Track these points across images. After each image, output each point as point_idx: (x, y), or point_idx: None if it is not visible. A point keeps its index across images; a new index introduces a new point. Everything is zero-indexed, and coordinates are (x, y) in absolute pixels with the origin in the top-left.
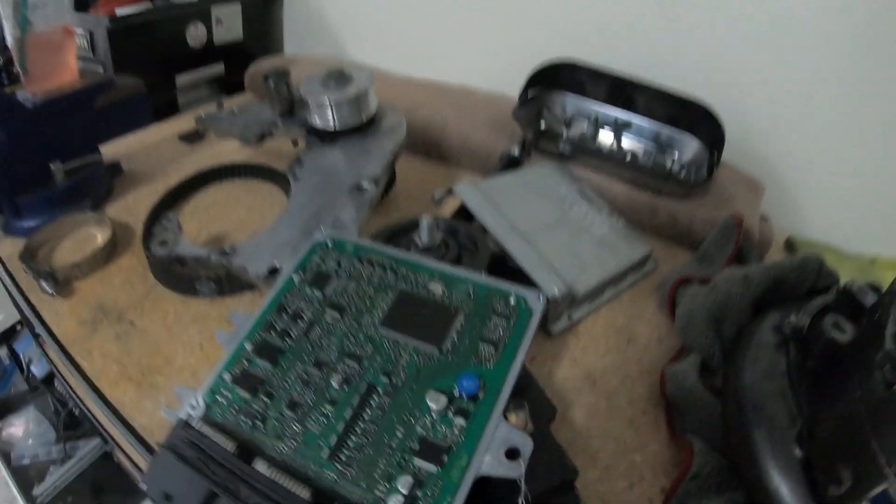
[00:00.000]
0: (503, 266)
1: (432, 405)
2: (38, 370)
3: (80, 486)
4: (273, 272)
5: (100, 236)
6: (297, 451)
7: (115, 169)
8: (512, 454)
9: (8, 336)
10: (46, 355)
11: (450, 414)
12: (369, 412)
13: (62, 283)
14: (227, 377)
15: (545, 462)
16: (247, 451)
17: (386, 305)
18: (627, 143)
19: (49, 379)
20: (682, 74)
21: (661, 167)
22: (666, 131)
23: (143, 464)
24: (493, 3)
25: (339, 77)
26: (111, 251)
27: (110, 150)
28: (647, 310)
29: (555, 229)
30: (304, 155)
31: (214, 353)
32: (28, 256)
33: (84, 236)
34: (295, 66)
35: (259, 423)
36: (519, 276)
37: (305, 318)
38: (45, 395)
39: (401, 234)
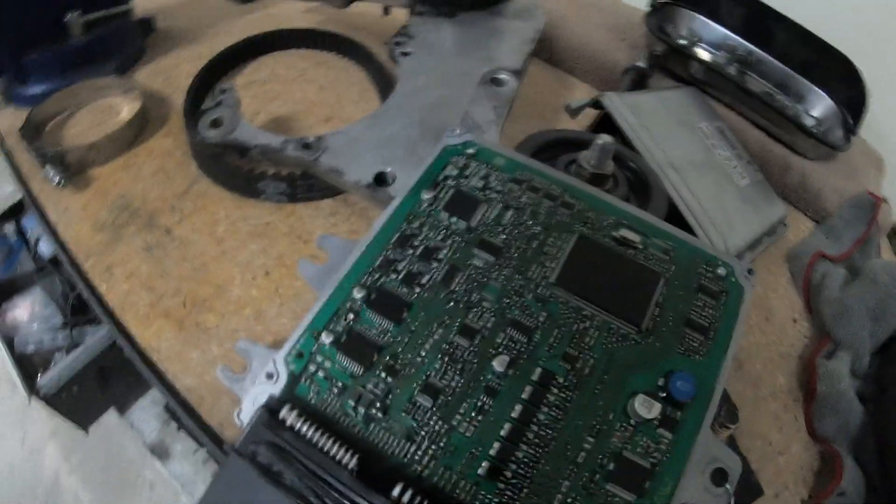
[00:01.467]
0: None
1: (643, 414)
2: (45, 249)
3: (86, 375)
4: (380, 180)
5: (126, 108)
6: (440, 461)
7: (146, 26)
8: (718, 477)
9: (16, 211)
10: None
11: (655, 423)
12: (546, 411)
13: (74, 170)
14: (325, 338)
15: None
16: (362, 461)
17: (559, 254)
18: (755, 83)
19: (57, 259)
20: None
21: (799, 118)
22: (796, 81)
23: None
24: None
25: None
26: (140, 129)
27: (141, 2)
28: (780, 282)
29: (702, 171)
30: (412, 26)
31: (289, 285)
32: (31, 132)
33: (105, 108)
34: None
35: (377, 412)
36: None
37: (443, 257)
38: (53, 276)
39: (559, 148)
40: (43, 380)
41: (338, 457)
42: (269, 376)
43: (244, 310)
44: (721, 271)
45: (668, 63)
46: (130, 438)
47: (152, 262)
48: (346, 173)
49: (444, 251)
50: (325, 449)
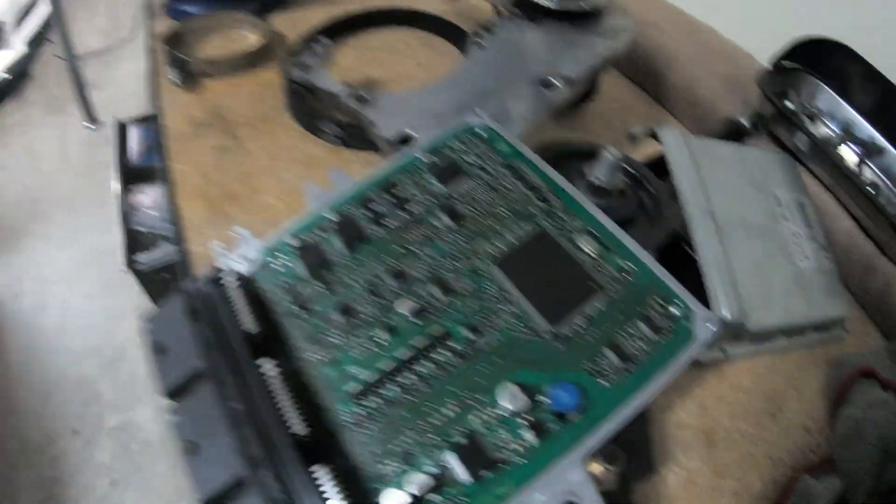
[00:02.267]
0: (676, 249)
1: (504, 403)
2: (156, 111)
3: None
4: (404, 141)
5: (251, 40)
6: (321, 367)
7: None
8: None
9: None
10: None
11: (520, 421)
12: (428, 366)
13: (194, 75)
14: (294, 242)
15: None
16: (268, 340)
17: (514, 240)
18: (869, 173)
19: None
20: None
21: None
22: None
23: None
24: None
25: None
26: (256, 59)
27: None
28: (810, 385)
29: (755, 235)
30: (498, 24)
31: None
32: (172, 40)
33: (236, 37)
34: None
35: (299, 310)
36: (689, 270)
37: (412, 211)
38: None
39: (573, 158)
40: (142, 257)
41: (244, 321)
42: (245, 259)
43: (264, 213)
44: (674, 310)
45: (774, 127)
46: None
47: (216, 158)
48: (379, 127)
49: (415, 206)
50: (238, 312)
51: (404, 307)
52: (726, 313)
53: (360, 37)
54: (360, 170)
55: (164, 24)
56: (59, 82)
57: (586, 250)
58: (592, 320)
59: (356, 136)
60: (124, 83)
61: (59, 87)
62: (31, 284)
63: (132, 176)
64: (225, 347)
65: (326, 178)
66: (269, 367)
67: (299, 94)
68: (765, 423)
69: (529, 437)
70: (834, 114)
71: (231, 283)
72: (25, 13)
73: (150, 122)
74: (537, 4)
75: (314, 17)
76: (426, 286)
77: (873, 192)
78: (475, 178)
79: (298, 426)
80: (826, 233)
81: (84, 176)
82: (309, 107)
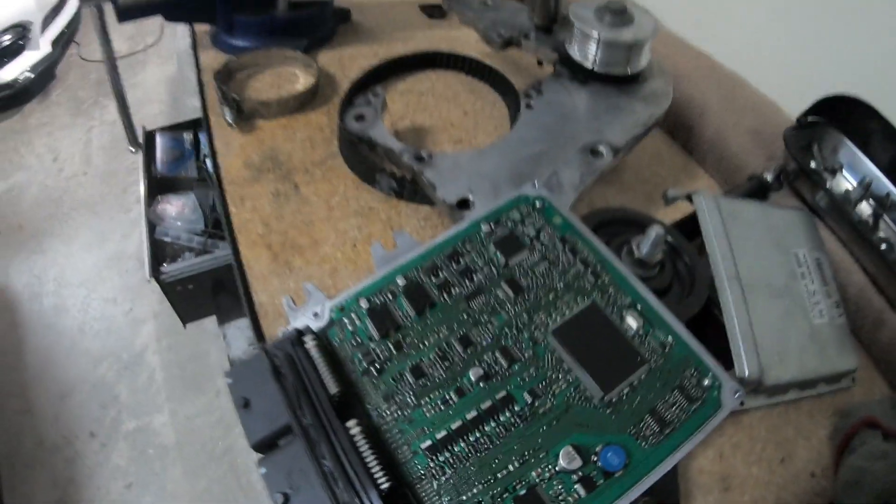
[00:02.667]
0: (706, 307)
1: (563, 462)
2: (211, 164)
3: (203, 280)
4: (462, 204)
5: (301, 80)
6: (398, 424)
7: (343, 15)
8: None
9: (196, 124)
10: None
11: (574, 477)
12: (493, 425)
13: (245, 116)
14: (363, 303)
15: None
16: (346, 396)
17: (568, 311)
18: (884, 229)
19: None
20: None
21: None
22: None
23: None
24: (831, 7)
25: (619, 12)
26: (307, 101)
27: None
28: (818, 434)
29: (776, 297)
30: (547, 84)
31: (365, 260)
32: (223, 76)
33: (286, 75)
34: None
35: (374, 370)
36: (713, 328)
37: (475, 280)
38: (208, 190)
39: (619, 226)
40: (167, 267)
41: (326, 383)
42: (315, 315)
43: (325, 264)
44: (706, 382)
45: (797, 183)
46: (218, 347)
47: (275, 205)
48: (438, 189)
49: (478, 275)
50: (321, 373)
51: (473, 372)
52: (747, 373)
53: (407, 80)
54: (415, 223)
55: (212, 57)
56: (83, 85)
57: (633, 325)
58: (637, 389)
59: (410, 189)
60: (150, 88)
61: (84, 89)
62: (51, 285)
63: (158, 185)
64: (310, 406)
65: (389, 237)
66: (354, 428)
67: (355, 144)
68: (775, 468)
69: (581, 490)
70: (854, 168)
71: (311, 343)
72: (52, 14)
73: (177, 130)
74: (582, 66)
75: (359, 55)
76: (490, 353)
77: (886, 250)
78: (532, 250)
79: (382, 481)
80: (840, 287)
81: (106, 180)
82: (364, 157)
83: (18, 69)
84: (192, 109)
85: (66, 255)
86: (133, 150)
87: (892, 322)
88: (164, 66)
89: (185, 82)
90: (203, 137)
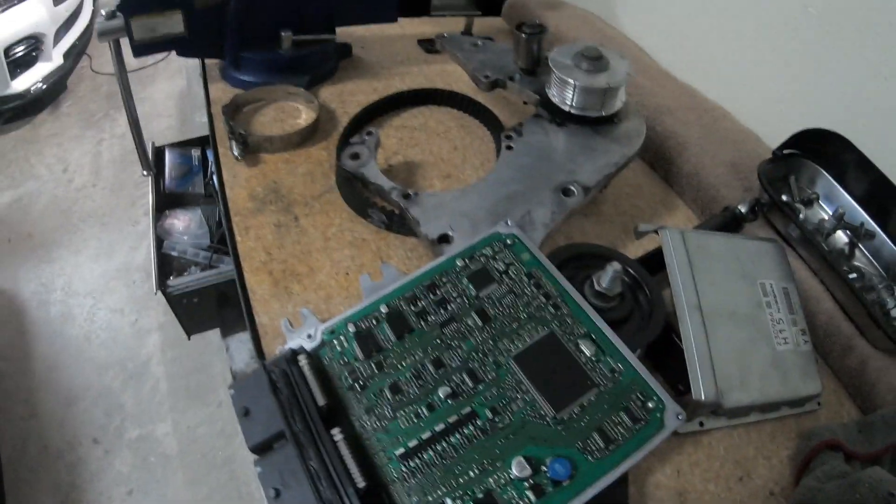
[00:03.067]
0: (665, 335)
1: (514, 471)
2: (219, 195)
3: (208, 294)
4: (442, 239)
5: (304, 116)
6: (376, 434)
7: (344, 50)
8: None
9: (205, 141)
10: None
11: (526, 484)
12: (457, 437)
13: (251, 150)
14: (350, 328)
15: None
16: (333, 407)
17: (529, 339)
18: (859, 257)
19: None
20: None
21: (881, 306)
22: None
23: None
24: (807, 36)
25: (594, 59)
26: (308, 136)
27: (346, 31)
28: (779, 454)
29: (738, 324)
30: (527, 125)
31: (355, 287)
32: (231, 110)
33: (289, 109)
34: (555, 11)
35: (357, 386)
36: (675, 352)
37: (449, 309)
38: (215, 207)
39: (586, 260)
40: (174, 281)
41: (316, 396)
42: (309, 336)
43: (320, 291)
44: (651, 404)
45: (771, 215)
46: (221, 359)
47: (277, 235)
48: (422, 225)
49: (452, 305)
50: (311, 388)
51: (442, 391)
52: (702, 396)
53: (402, 115)
54: (402, 254)
55: (220, 90)
56: (94, 97)
57: (586, 352)
58: (586, 409)
59: (399, 222)
60: (159, 102)
61: (95, 101)
62: (59, 294)
63: (166, 200)
64: (301, 416)
65: (377, 267)
66: (337, 435)
67: (350, 181)
68: (733, 486)
69: (531, 496)
70: (830, 198)
71: (304, 362)
72: (65, 27)
73: (185, 147)
74: (559, 109)
75: (359, 90)
76: (459, 374)
77: (854, 279)
78: (501, 283)
79: (359, 481)
80: (810, 315)
81: (116, 193)
82: (359, 193)
83: (31, 80)
84: (200, 125)
85: (74, 265)
86: (146, 173)
87: (861, 348)
88: (173, 81)
89: (194, 98)
90: (210, 154)
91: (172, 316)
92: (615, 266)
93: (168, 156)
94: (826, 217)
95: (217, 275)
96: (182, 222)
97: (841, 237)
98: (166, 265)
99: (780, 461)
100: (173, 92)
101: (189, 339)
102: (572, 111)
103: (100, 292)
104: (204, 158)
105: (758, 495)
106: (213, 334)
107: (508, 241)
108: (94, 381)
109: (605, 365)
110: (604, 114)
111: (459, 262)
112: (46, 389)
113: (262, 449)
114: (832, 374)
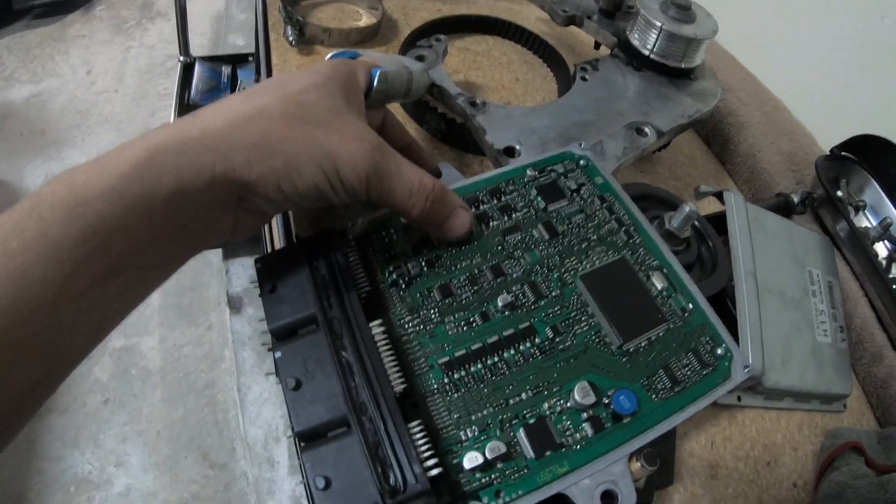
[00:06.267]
0: (718, 298)
1: (577, 396)
2: (266, 71)
3: None
4: (508, 152)
5: (364, 18)
6: (419, 337)
7: None
8: (608, 497)
9: (237, 60)
10: None
11: (584, 415)
12: (511, 353)
13: (305, 40)
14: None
15: None
16: (372, 301)
17: (598, 261)
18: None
19: None
20: None
21: None
22: None
23: None
24: (879, 46)
25: (683, 8)
26: (367, 38)
27: None
28: (805, 448)
29: (787, 306)
30: (603, 62)
31: None
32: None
33: (350, 11)
34: None
35: (402, 282)
36: (724, 319)
37: (513, 218)
38: None
39: (654, 202)
40: None
41: (359, 282)
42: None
43: None
44: (719, 351)
45: (821, 210)
46: (218, 281)
47: None
48: (488, 134)
49: (517, 214)
50: (355, 271)
51: (500, 299)
52: (751, 362)
53: (466, 39)
54: (455, 167)
55: None
56: (129, 4)
57: (657, 285)
58: (654, 344)
59: (456, 133)
60: (194, 21)
61: (129, 9)
62: None
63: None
64: (338, 299)
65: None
66: (377, 330)
67: None
68: (760, 469)
69: (587, 429)
70: (877, 208)
71: (349, 245)
72: None
73: (216, 62)
74: (639, 52)
75: (423, 8)
76: (519, 285)
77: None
78: (572, 201)
79: (398, 385)
80: (846, 315)
81: (137, 101)
82: (419, 97)
83: None
84: (233, 48)
85: None
86: (182, 58)
87: (890, 359)
88: (212, 3)
89: (231, 20)
90: (242, 74)
91: None
92: (691, 206)
93: (198, 68)
94: (871, 225)
95: None
96: None
97: (882, 248)
98: None
99: (805, 454)
100: (210, 12)
101: None
102: (653, 56)
103: None
104: (233, 77)
105: (782, 485)
106: (214, 254)
107: (582, 162)
108: None
109: (676, 302)
110: (683, 66)
111: (530, 172)
112: None
113: (284, 334)
114: (857, 380)
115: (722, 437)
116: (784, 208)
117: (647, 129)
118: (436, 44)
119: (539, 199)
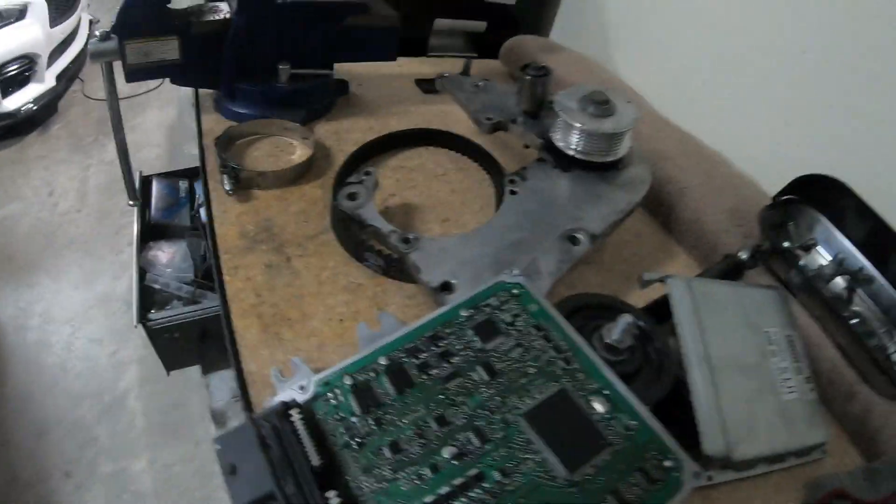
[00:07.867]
0: (674, 389)
1: None
2: (204, 215)
3: (190, 329)
4: (445, 288)
5: (298, 152)
6: (375, 496)
7: (341, 87)
8: None
9: (193, 173)
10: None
11: None
12: (464, 501)
13: (243, 185)
14: (347, 380)
15: None
16: (327, 467)
17: (539, 395)
18: (858, 302)
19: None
20: None
21: (882, 351)
22: None
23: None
24: (803, 81)
25: (601, 104)
26: (302, 173)
27: (343, 69)
28: (783, 502)
29: (745, 374)
30: (531, 170)
31: (350, 335)
32: (223, 143)
33: (284, 145)
34: (554, 55)
35: (354, 444)
36: (683, 407)
37: (453, 363)
38: (200, 240)
39: (593, 310)
40: (155, 315)
41: (310, 455)
42: (301, 388)
43: (313, 338)
44: (668, 463)
45: (771, 261)
46: (200, 397)
47: (267, 276)
48: (423, 273)
49: (457, 358)
50: (305, 446)
51: (446, 451)
52: (713, 451)
53: (399, 156)
54: (400, 301)
55: (213, 121)
56: (84, 122)
57: (599, 409)
58: (600, 470)
59: (397, 268)
60: (149, 131)
61: (85, 126)
62: (37, 320)
63: (151, 231)
64: (293, 476)
65: (373, 314)
66: (334, 499)
67: (346, 222)
68: None
69: None
70: (829, 244)
71: (297, 416)
72: (60, 49)
73: (173, 178)
74: (564, 154)
75: (355, 128)
76: (464, 432)
77: (856, 324)
78: (508, 335)
79: None
80: (812, 361)
81: (100, 220)
82: (355, 235)
83: (22, 100)
84: (189, 157)
85: (55, 291)
86: (132, 203)
87: (863, 394)
88: (164, 111)
89: (185, 129)
90: (199, 187)
91: (152, 350)
92: (626, 318)
93: (155, 186)
94: (825, 262)
95: (200, 310)
96: (166, 254)
97: (840, 282)
98: (148, 297)
99: None
100: (164, 122)
101: (168, 374)
102: (577, 156)
103: (79, 321)
104: (191, 190)
105: None
106: (194, 370)
107: (514, 291)
108: (69, 413)
109: (619, 422)
110: (609, 159)
111: (464, 313)
112: (18, 418)
113: None
114: (835, 420)
115: None
116: (734, 269)
117: (580, 237)
118: (366, 178)
119: (476, 339)
